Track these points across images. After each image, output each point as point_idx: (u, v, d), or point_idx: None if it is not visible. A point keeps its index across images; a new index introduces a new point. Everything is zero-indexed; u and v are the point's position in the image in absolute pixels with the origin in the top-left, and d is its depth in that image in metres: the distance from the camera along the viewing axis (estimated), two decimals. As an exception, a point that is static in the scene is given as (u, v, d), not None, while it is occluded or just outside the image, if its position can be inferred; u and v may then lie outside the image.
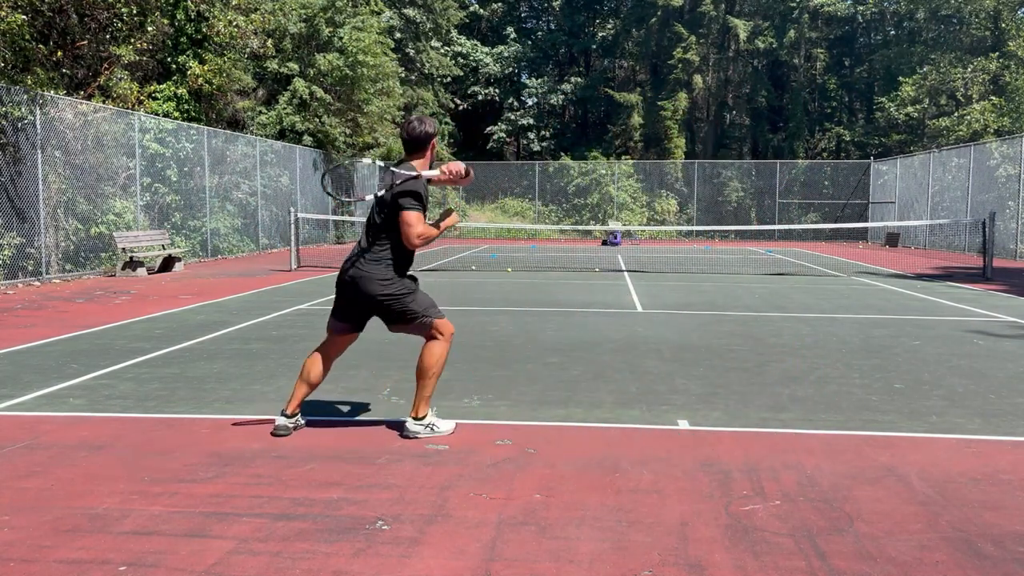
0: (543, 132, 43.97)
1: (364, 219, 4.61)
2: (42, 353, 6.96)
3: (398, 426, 4.70)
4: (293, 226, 16.48)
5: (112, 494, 3.59)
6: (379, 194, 4.31)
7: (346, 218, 22.38)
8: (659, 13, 41.44)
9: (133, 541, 3.08)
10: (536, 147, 43.73)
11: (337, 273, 4.51)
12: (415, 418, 4.45)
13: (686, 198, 36.37)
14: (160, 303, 10.48)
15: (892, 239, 28.67)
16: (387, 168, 4.39)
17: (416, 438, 4.41)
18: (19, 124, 12.80)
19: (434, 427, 4.47)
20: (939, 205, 26.43)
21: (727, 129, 44.43)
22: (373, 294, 4.34)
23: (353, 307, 4.43)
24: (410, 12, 36.66)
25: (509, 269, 16.65)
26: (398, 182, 4.25)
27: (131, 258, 14.43)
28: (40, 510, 3.40)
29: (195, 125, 18.46)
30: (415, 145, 4.39)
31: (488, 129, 43.49)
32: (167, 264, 15.64)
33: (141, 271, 14.49)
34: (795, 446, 4.35)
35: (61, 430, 4.60)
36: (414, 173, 4.29)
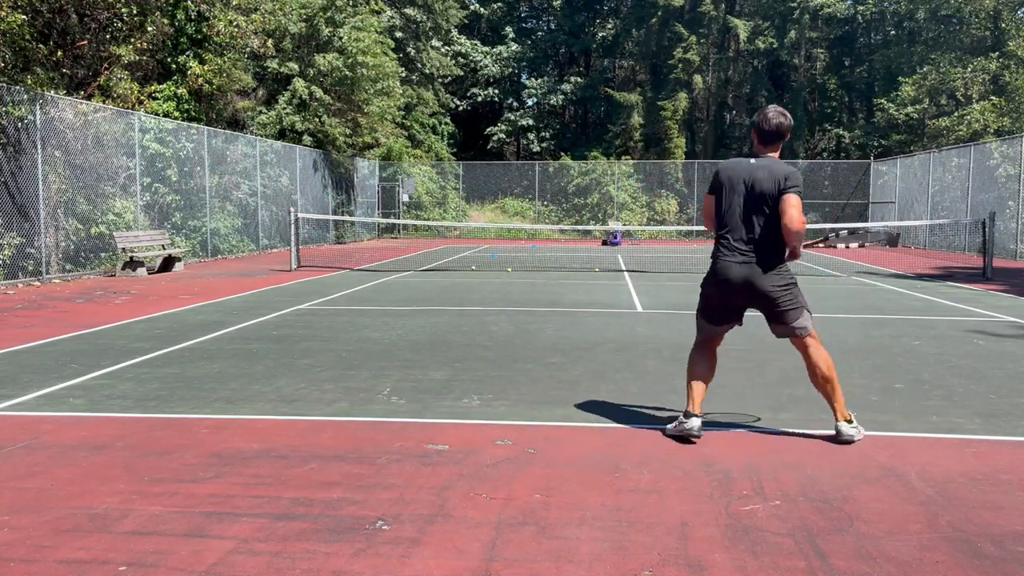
0: (543, 132, 43.98)
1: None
2: (42, 353, 6.96)
3: (398, 426, 4.70)
4: (293, 226, 16.48)
5: (112, 494, 3.59)
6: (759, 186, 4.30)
7: (346, 218, 22.37)
8: (659, 13, 41.45)
9: (133, 541, 3.08)
10: (536, 147, 43.74)
11: (709, 276, 4.55)
12: (848, 421, 4.40)
13: (686, 198, 36.37)
14: (160, 303, 10.48)
15: (892, 239, 28.67)
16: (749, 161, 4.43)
17: (852, 441, 4.36)
18: (19, 124, 12.80)
19: (859, 429, 4.45)
20: (939, 205, 26.44)
21: (727, 129, 44.44)
22: (767, 286, 4.34)
23: (738, 304, 4.49)
24: (410, 12, 36.67)
25: (509, 269, 16.65)
26: (779, 176, 4.28)
27: (131, 258, 14.43)
28: (40, 510, 3.40)
29: (195, 125, 18.46)
30: (775, 137, 4.41)
31: (488, 129, 43.51)
32: (167, 264, 15.65)
33: (141, 271, 14.49)
34: (795, 446, 4.35)
35: (61, 430, 4.60)
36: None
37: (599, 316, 9.45)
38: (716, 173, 4.49)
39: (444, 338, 7.82)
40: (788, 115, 4.42)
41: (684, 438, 4.40)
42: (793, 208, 4.31)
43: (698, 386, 4.47)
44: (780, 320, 4.41)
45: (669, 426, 4.52)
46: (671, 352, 7.10)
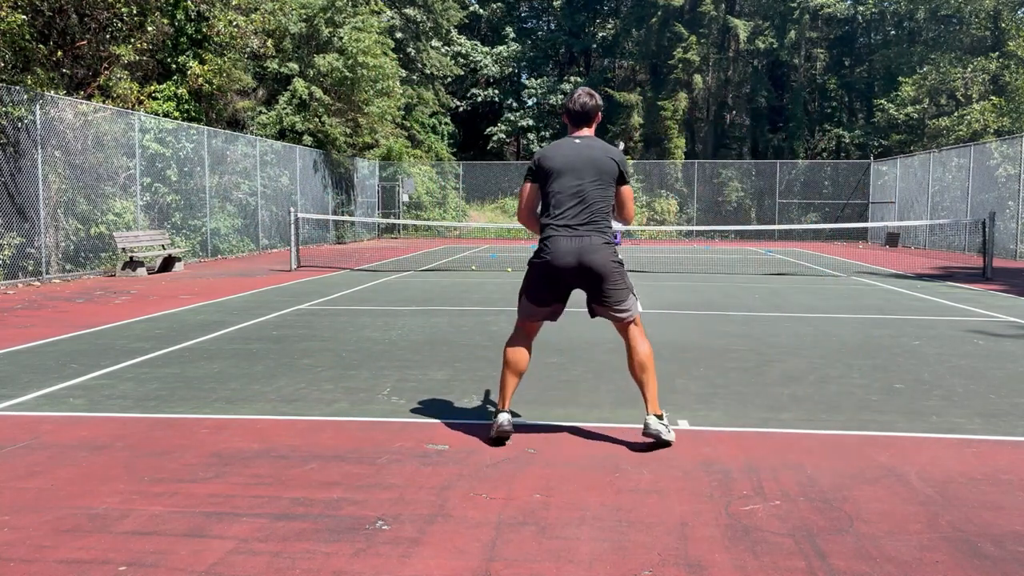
0: (543, 132, 43.98)
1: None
2: (42, 353, 6.96)
3: (398, 426, 4.70)
4: (293, 226, 16.49)
5: (112, 494, 3.59)
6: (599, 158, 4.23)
7: (346, 218, 22.38)
8: (659, 13, 41.45)
9: (133, 541, 3.08)
10: (536, 147, 43.71)
11: (541, 258, 4.28)
12: (658, 416, 4.27)
13: (686, 198, 36.37)
14: (160, 303, 10.48)
15: (892, 239, 28.67)
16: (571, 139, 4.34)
17: (661, 437, 4.23)
18: (19, 124, 12.80)
19: (669, 428, 4.32)
20: (939, 205, 26.43)
21: (727, 129, 44.44)
22: (603, 264, 4.19)
23: (567, 284, 4.30)
24: (410, 12, 36.67)
25: (509, 269, 16.65)
26: (614, 157, 4.24)
27: (131, 258, 14.43)
28: (40, 510, 3.40)
29: (195, 125, 18.46)
30: (586, 118, 4.37)
31: (488, 129, 43.51)
32: (167, 264, 15.65)
33: (141, 271, 14.49)
34: (795, 446, 4.35)
35: (61, 430, 4.60)
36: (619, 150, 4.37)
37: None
38: (538, 160, 4.33)
39: (444, 338, 7.82)
40: (596, 95, 4.39)
41: (500, 439, 4.29)
42: (631, 201, 4.43)
43: (513, 380, 4.40)
44: (605, 302, 4.28)
45: (492, 433, 4.37)
46: (671, 352, 7.10)
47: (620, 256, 4.37)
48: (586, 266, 4.19)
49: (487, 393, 5.56)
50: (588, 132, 4.40)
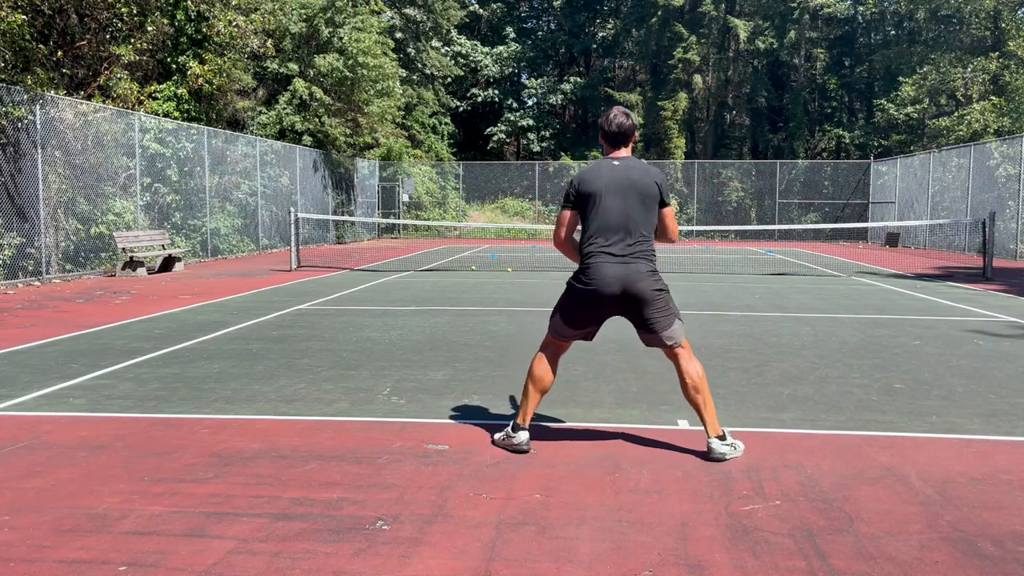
0: (543, 132, 43.99)
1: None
2: (42, 353, 6.96)
3: (398, 426, 4.70)
4: (293, 226, 16.49)
5: (112, 494, 3.59)
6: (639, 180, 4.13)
7: (346, 218, 22.37)
8: (659, 13, 41.46)
9: (133, 541, 3.08)
10: (536, 147, 43.74)
11: (581, 281, 4.13)
12: (720, 438, 4.13)
13: (686, 198, 36.37)
14: (160, 303, 10.48)
15: (892, 239, 28.67)
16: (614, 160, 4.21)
17: (726, 459, 4.08)
18: (19, 124, 12.80)
19: (735, 445, 4.19)
20: (939, 205, 26.44)
21: (727, 129, 44.44)
22: (648, 291, 4.09)
23: (609, 311, 4.16)
24: (410, 12, 36.68)
25: (509, 269, 16.65)
26: (656, 179, 4.16)
27: (131, 258, 14.43)
28: (40, 510, 3.40)
29: (195, 125, 18.46)
30: (623, 138, 4.23)
31: (488, 130, 43.52)
32: (167, 264, 15.65)
33: (141, 271, 14.49)
34: (795, 446, 4.35)
35: (61, 430, 4.60)
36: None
37: (599, 316, 9.44)
38: (578, 185, 4.15)
39: (444, 338, 7.82)
40: (631, 115, 4.26)
41: (516, 450, 4.21)
42: (673, 221, 4.37)
43: (536, 397, 4.29)
44: (651, 328, 4.14)
45: (497, 435, 4.36)
46: (671, 352, 7.09)
47: (664, 282, 4.26)
48: (631, 294, 4.06)
49: (512, 399, 5.56)
50: (625, 152, 4.25)
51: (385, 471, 3.91)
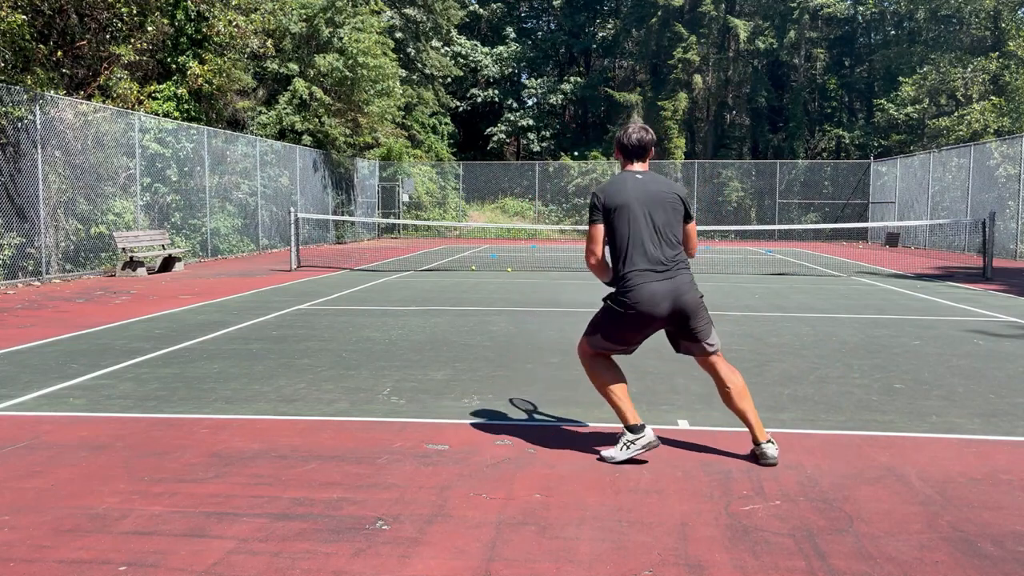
0: (543, 132, 43.99)
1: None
2: (42, 353, 6.96)
3: (398, 426, 4.70)
4: (293, 226, 16.49)
5: (112, 494, 3.59)
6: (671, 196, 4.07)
7: (346, 218, 22.37)
8: (659, 13, 41.45)
9: (133, 541, 3.08)
10: (536, 147, 43.74)
11: (625, 297, 3.96)
12: (769, 441, 4.08)
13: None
14: (160, 303, 10.48)
15: (892, 239, 28.68)
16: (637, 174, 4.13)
17: (775, 462, 4.04)
18: (19, 124, 12.80)
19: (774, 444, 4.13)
20: (939, 205, 26.44)
21: (727, 129, 44.45)
22: (694, 302, 4.01)
23: (657, 327, 4.05)
24: (410, 12, 36.68)
25: (509, 269, 16.65)
26: (679, 193, 4.11)
27: (131, 258, 14.43)
28: (40, 510, 3.40)
29: (195, 125, 18.46)
30: (643, 152, 4.16)
31: (488, 130, 43.52)
32: (167, 264, 15.65)
33: (141, 271, 14.49)
34: (795, 446, 4.35)
35: (61, 430, 4.60)
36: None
37: (599, 316, 9.44)
38: (604, 199, 4.02)
39: (444, 338, 7.82)
40: (650, 130, 4.20)
41: (650, 448, 4.05)
42: (695, 237, 4.26)
43: (624, 389, 4.13)
44: (695, 337, 4.07)
45: (616, 453, 4.05)
46: (671, 352, 7.08)
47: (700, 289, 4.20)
48: (679, 307, 3.97)
49: (511, 400, 5.55)
50: (644, 166, 4.17)
51: (385, 471, 3.91)
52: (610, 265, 4.11)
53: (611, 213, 4.02)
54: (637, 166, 4.16)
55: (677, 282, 3.98)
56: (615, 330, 4.07)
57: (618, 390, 4.11)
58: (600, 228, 4.06)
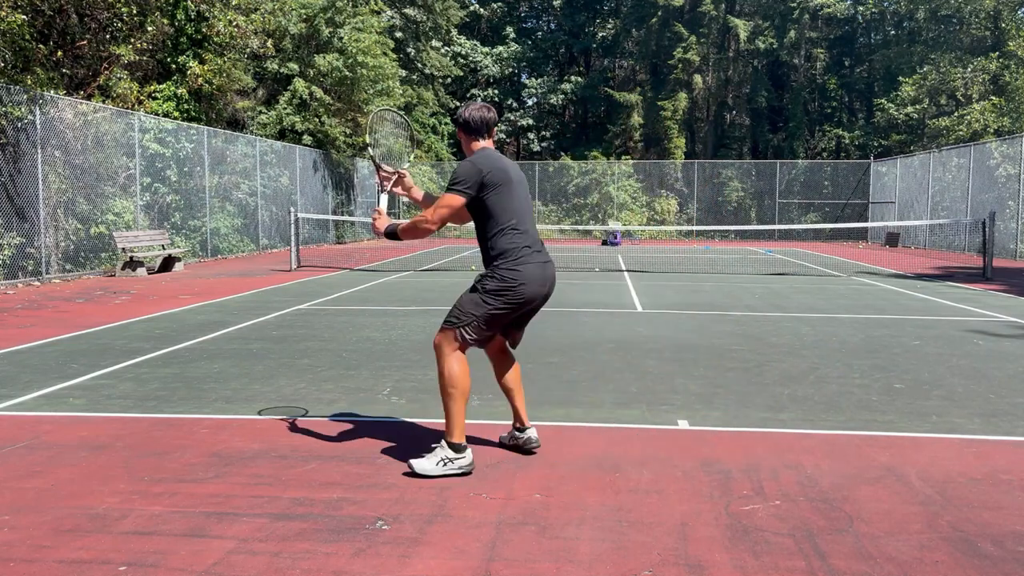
0: (543, 132, 43.99)
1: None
2: (42, 353, 6.96)
3: (398, 426, 4.70)
4: (293, 226, 16.49)
5: (112, 494, 3.59)
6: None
7: (346, 218, 22.38)
8: (659, 13, 41.47)
9: (133, 541, 3.08)
10: (536, 147, 43.73)
11: (518, 279, 3.79)
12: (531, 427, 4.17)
13: (686, 198, 36.37)
14: (160, 303, 10.48)
15: (892, 239, 28.68)
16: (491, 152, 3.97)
17: (539, 444, 4.14)
18: (19, 124, 12.80)
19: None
20: (939, 205, 26.44)
21: (727, 129, 44.45)
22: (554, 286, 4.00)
23: (523, 310, 3.91)
24: (410, 12, 36.68)
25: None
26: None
27: (131, 258, 14.43)
28: (40, 510, 3.40)
29: (195, 125, 18.46)
30: (488, 129, 4.01)
31: (488, 129, 43.46)
32: (167, 264, 15.64)
33: (141, 271, 14.49)
34: (795, 446, 4.35)
35: (61, 430, 4.60)
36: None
37: (599, 316, 9.45)
38: (485, 173, 3.76)
39: (444, 338, 7.81)
40: (491, 108, 4.01)
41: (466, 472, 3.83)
42: None
43: (466, 401, 3.86)
44: (521, 330, 4.03)
45: (431, 468, 3.80)
46: (671, 352, 7.10)
47: None
48: (550, 292, 3.96)
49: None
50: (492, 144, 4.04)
51: (385, 471, 3.91)
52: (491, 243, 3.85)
53: (493, 189, 3.79)
54: (489, 143, 4.01)
55: (553, 268, 3.97)
56: (494, 315, 3.81)
57: (465, 400, 3.83)
58: (460, 199, 3.78)
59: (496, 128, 4.11)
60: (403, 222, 3.99)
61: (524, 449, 4.18)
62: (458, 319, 3.82)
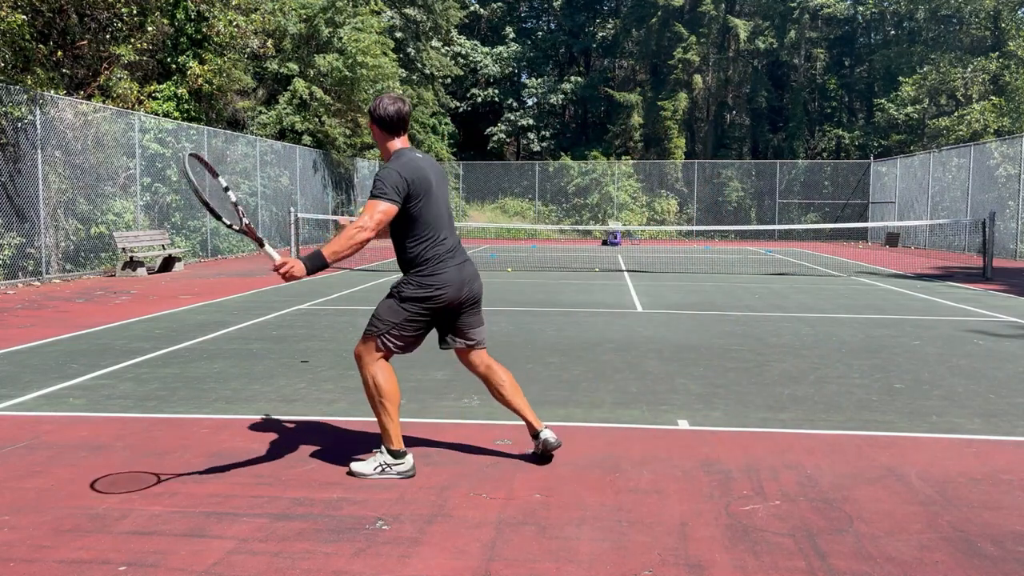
0: (543, 132, 43.98)
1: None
2: (42, 353, 6.96)
3: (398, 426, 4.69)
4: (293, 226, 16.49)
5: (112, 494, 3.59)
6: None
7: (346, 218, 22.37)
8: (659, 13, 41.45)
9: (133, 541, 3.08)
10: (536, 147, 43.72)
11: (435, 285, 3.75)
12: (545, 428, 4.06)
13: (686, 198, 36.37)
14: (160, 303, 10.48)
15: (892, 239, 28.68)
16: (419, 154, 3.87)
17: (559, 444, 4.03)
18: (19, 124, 12.80)
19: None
20: (939, 205, 26.44)
21: (727, 129, 44.44)
22: (479, 291, 3.97)
23: (446, 317, 3.88)
24: (410, 12, 36.68)
25: (509, 269, 16.64)
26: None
27: (131, 258, 14.43)
28: (40, 510, 3.40)
29: (195, 125, 18.46)
30: (404, 124, 3.84)
31: (488, 130, 43.52)
32: (167, 264, 15.64)
33: (141, 271, 14.49)
34: (795, 446, 4.35)
35: (61, 430, 4.60)
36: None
37: (599, 316, 9.45)
38: (410, 182, 3.64)
39: (444, 338, 7.81)
40: (406, 100, 3.87)
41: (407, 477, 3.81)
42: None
43: (398, 407, 3.84)
44: (467, 328, 3.92)
45: (370, 473, 3.81)
46: (671, 352, 7.10)
47: None
48: (472, 294, 3.89)
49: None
50: (407, 141, 3.91)
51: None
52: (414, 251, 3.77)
53: (415, 200, 3.68)
54: (406, 141, 3.87)
55: (472, 267, 3.90)
56: (412, 321, 3.76)
57: (395, 406, 3.80)
58: (394, 209, 3.61)
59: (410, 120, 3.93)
60: (328, 246, 3.54)
61: (546, 454, 4.04)
62: (376, 327, 3.77)
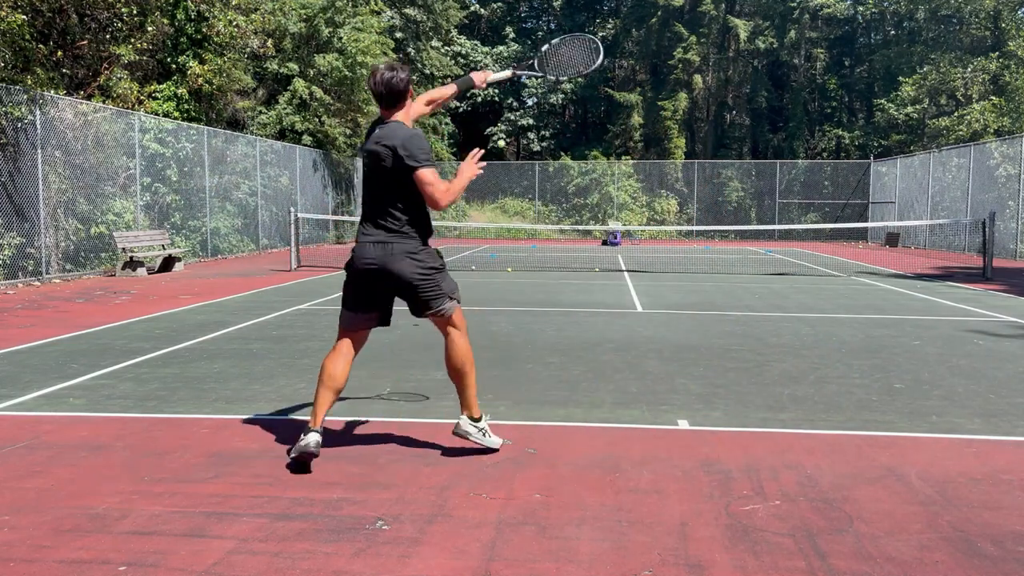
0: (543, 132, 43.99)
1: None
2: (42, 353, 6.96)
3: (398, 426, 4.70)
4: (293, 226, 16.49)
5: (112, 494, 3.59)
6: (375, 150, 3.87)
7: (346, 218, 22.39)
8: (659, 13, 41.47)
9: (133, 541, 3.08)
10: (536, 147, 43.73)
11: (351, 256, 3.99)
12: (473, 420, 4.11)
13: (686, 198, 36.37)
14: (160, 303, 10.48)
15: (892, 239, 28.68)
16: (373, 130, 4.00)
17: (468, 438, 4.10)
18: (19, 124, 12.80)
19: (487, 433, 4.15)
20: (939, 205, 26.44)
21: (727, 129, 44.45)
22: (405, 272, 3.89)
23: (378, 293, 3.98)
24: (410, 12, 36.70)
25: (509, 269, 16.64)
26: (388, 141, 3.84)
27: (131, 258, 14.43)
28: (40, 510, 3.40)
29: (195, 125, 18.46)
30: (393, 99, 3.93)
31: (488, 130, 43.53)
32: (167, 264, 15.64)
33: (141, 271, 14.49)
34: (795, 446, 4.35)
35: (61, 430, 4.60)
36: (412, 129, 3.93)
37: (599, 316, 9.45)
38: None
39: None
40: (403, 68, 3.91)
41: (302, 463, 3.84)
42: (427, 185, 3.81)
43: (327, 395, 3.94)
44: (423, 305, 4.01)
45: (292, 452, 3.91)
46: (671, 352, 7.10)
47: (437, 261, 4.04)
48: (391, 276, 3.90)
49: (510, 401, 5.55)
50: (398, 116, 3.96)
51: (385, 471, 3.91)
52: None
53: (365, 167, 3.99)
54: (390, 114, 3.96)
55: (389, 248, 3.88)
56: (346, 293, 4.04)
57: (330, 390, 3.94)
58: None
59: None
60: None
61: (456, 433, 4.14)
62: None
